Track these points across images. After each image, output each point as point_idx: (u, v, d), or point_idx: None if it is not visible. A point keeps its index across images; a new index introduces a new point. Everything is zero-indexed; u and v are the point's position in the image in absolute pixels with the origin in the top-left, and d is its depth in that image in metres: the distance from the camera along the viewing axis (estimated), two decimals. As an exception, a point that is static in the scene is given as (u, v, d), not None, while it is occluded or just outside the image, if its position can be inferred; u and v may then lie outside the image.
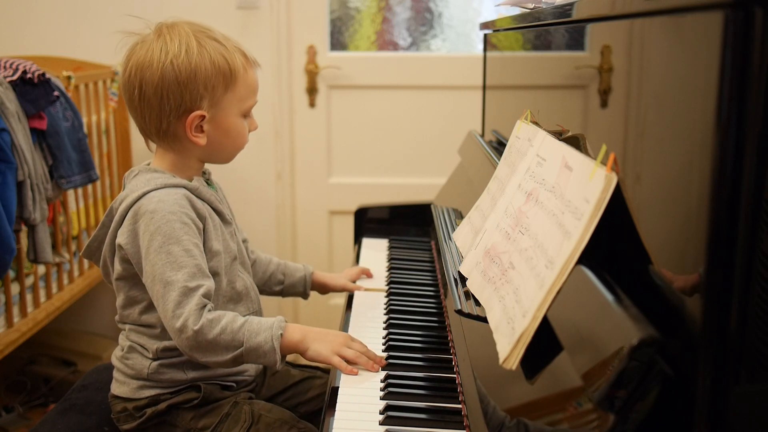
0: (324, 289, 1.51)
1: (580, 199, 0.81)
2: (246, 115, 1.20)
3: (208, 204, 1.19)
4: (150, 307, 1.16)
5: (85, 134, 2.12)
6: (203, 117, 1.15)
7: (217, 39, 1.16)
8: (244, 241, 1.40)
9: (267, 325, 1.10)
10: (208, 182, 1.28)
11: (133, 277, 1.16)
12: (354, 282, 1.50)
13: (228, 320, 1.09)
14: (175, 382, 1.18)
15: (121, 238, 1.14)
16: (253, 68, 1.20)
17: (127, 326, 1.21)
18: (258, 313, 1.29)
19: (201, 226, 1.15)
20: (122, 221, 1.14)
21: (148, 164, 1.21)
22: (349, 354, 1.09)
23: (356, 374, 1.07)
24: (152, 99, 1.14)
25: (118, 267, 1.17)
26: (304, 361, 1.21)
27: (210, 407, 1.19)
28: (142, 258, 1.11)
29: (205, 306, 1.09)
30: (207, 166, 1.29)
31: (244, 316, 1.24)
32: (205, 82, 1.13)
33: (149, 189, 1.13)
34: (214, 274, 1.17)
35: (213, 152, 1.21)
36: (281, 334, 1.09)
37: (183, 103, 1.13)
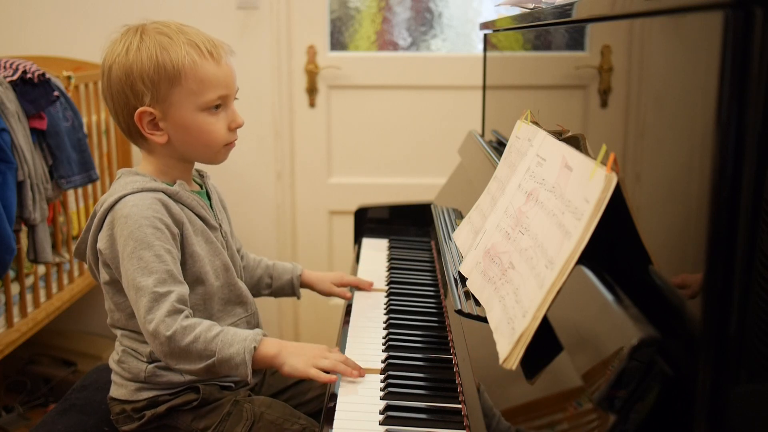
0: (313, 289, 1.49)
1: (580, 199, 0.81)
2: (207, 109, 1.15)
3: (189, 208, 1.18)
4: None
5: (85, 134, 2.12)
6: (153, 114, 1.14)
7: (166, 33, 1.14)
8: (238, 250, 1.39)
9: (242, 337, 1.08)
10: (202, 185, 1.27)
11: (116, 282, 1.16)
12: (341, 284, 1.47)
13: (203, 329, 1.07)
14: (173, 384, 1.18)
15: (101, 244, 1.14)
16: (212, 61, 1.14)
17: (118, 331, 1.22)
18: (255, 315, 1.29)
19: (177, 231, 1.15)
20: (101, 225, 1.15)
21: (137, 168, 1.22)
22: (325, 364, 1.07)
23: (335, 380, 1.06)
24: (107, 99, 1.18)
25: (102, 272, 1.17)
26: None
27: (210, 407, 1.18)
28: (119, 263, 1.12)
29: (180, 312, 1.08)
30: (204, 168, 1.29)
31: (241, 318, 1.24)
32: (142, 77, 1.12)
33: (125, 193, 1.13)
34: (198, 279, 1.17)
35: (183, 150, 1.18)
36: (255, 348, 1.07)
37: (128, 101, 1.14)
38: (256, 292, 1.46)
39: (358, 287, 1.47)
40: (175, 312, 1.07)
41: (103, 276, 1.17)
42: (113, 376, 1.23)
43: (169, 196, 1.16)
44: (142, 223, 1.10)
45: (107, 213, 1.14)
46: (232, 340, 1.07)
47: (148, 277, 1.08)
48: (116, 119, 1.19)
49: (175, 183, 1.19)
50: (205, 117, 1.15)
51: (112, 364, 1.23)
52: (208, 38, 1.17)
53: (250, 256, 1.45)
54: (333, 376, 1.06)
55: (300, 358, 1.08)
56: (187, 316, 1.08)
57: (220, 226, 1.25)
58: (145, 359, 1.18)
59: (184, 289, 1.11)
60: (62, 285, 2.17)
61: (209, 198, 1.28)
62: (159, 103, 1.14)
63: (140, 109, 1.13)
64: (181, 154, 1.19)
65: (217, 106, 1.16)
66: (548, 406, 0.77)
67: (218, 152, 1.20)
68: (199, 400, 1.17)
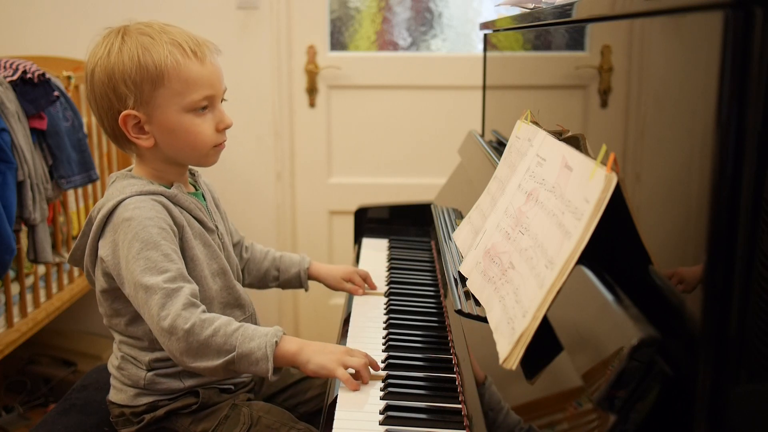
0: (321, 282, 1.48)
1: (580, 199, 0.81)
2: (193, 110, 1.12)
3: (187, 212, 1.16)
4: (135, 320, 1.14)
5: (85, 134, 2.12)
6: (137, 117, 1.11)
7: (148, 33, 1.11)
8: (237, 244, 1.39)
9: (262, 332, 1.05)
10: (195, 186, 1.26)
11: (115, 290, 1.13)
12: (349, 280, 1.46)
13: (222, 322, 1.05)
14: (173, 391, 1.17)
15: (103, 251, 1.11)
16: (196, 60, 1.11)
17: (117, 336, 1.20)
18: (253, 317, 1.28)
19: (177, 232, 1.13)
20: (100, 231, 1.12)
21: (130, 170, 1.20)
22: (353, 362, 1.05)
23: (359, 389, 1.03)
24: (91, 103, 1.15)
25: (101, 280, 1.14)
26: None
27: (208, 411, 1.18)
28: (122, 268, 1.08)
29: (196, 306, 1.05)
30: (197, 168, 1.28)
31: (240, 320, 1.23)
32: (124, 79, 1.09)
33: (125, 197, 1.11)
34: (197, 284, 1.14)
35: (171, 154, 1.15)
36: (276, 342, 1.04)
37: (112, 105, 1.12)
38: (264, 285, 1.45)
39: (365, 281, 1.46)
40: (191, 305, 1.05)
41: (101, 284, 1.15)
42: (112, 380, 1.22)
43: (169, 199, 1.14)
44: (146, 224, 1.08)
45: (106, 219, 1.11)
46: (253, 334, 1.05)
47: (158, 276, 1.05)
48: (101, 124, 1.16)
49: (171, 186, 1.17)
50: (191, 118, 1.12)
51: (111, 369, 1.22)
52: (192, 37, 1.14)
53: (256, 248, 1.43)
54: (359, 384, 1.03)
55: (326, 356, 1.05)
56: (204, 311, 1.06)
57: (217, 228, 1.23)
58: (144, 367, 1.16)
59: (194, 287, 1.09)
60: (62, 285, 2.17)
61: (204, 199, 1.26)
62: (143, 106, 1.11)
63: (124, 112, 1.11)
64: (170, 158, 1.16)
65: (204, 107, 1.13)
66: (548, 406, 0.77)
67: (207, 154, 1.17)
68: (198, 403, 1.17)
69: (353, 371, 1.05)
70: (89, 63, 1.14)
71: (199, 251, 1.16)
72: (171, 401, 1.17)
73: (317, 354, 1.06)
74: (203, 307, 1.07)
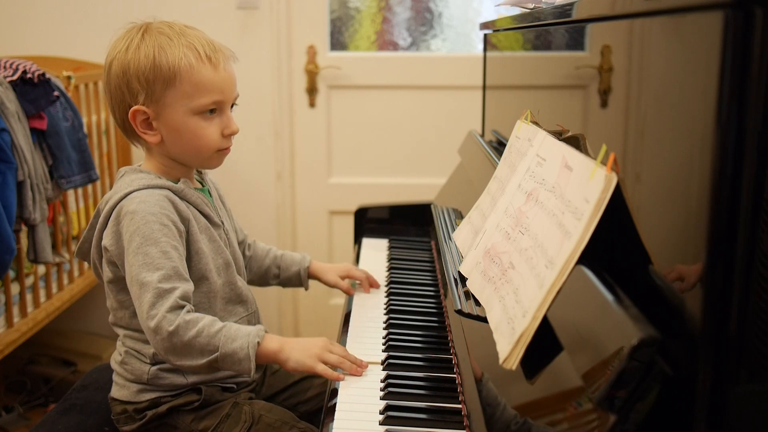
0: (319, 280, 1.49)
1: (580, 199, 0.81)
2: (200, 113, 1.14)
3: (194, 206, 1.18)
4: None
5: (85, 134, 2.12)
6: (146, 113, 1.14)
7: (167, 34, 1.14)
8: (241, 242, 1.39)
9: (245, 332, 1.08)
10: (202, 182, 1.27)
11: (120, 280, 1.15)
12: (347, 276, 1.47)
13: (205, 323, 1.07)
14: (175, 387, 1.18)
15: (106, 240, 1.14)
16: (210, 65, 1.14)
17: (121, 331, 1.21)
18: (255, 314, 1.29)
19: (183, 228, 1.14)
20: (107, 223, 1.15)
21: (140, 165, 1.22)
22: (332, 359, 1.09)
23: (343, 379, 1.07)
24: (107, 94, 1.19)
25: (107, 270, 1.17)
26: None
27: (210, 409, 1.18)
28: (124, 259, 1.11)
29: (182, 307, 1.08)
30: None
31: (242, 317, 1.24)
32: (137, 76, 1.12)
33: (132, 190, 1.13)
34: (202, 278, 1.17)
35: (175, 153, 1.18)
36: (258, 343, 1.07)
37: (124, 98, 1.15)
38: (264, 282, 1.47)
39: (365, 281, 1.46)
40: (177, 307, 1.07)
41: (107, 274, 1.17)
42: (115, 377, 1.23)
43: (175, 194, 1.16)
44: (149, 219, 1.10)
45: (113, 210, 1.14)
46: (236, 335, 1.07)
47: (153, 273, 1.07)
48: (113, 115, 1.19)
49: (178, 181, 1.19)
50: (198, 121, 1.15)
51: (114, 365, 1.23)
52: (209, 42, 1.16)
53: (258, 245, 1.45)
54: (341, 375, 1.07)
55: (305, 353, 1.09)
56: (189, 311, 1.08)
57: (223, 223, 1.25)
58: (148, 361, 1.17)
59: (188, 287, 1.11)
60: (62, 285, 2.17)
61: (210, 195, 1.27)
62: (153, 103, 1.13)
63: (134, 107, 1.14)
64: (174, 157, 1.19)
65: (212, 111, 1.15)
66: (548, 406, 0.77)
67: (210, 158, 1.19)
68: (200, 401, 1.17)
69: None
70: (109, 55, 1.17)
71: (204, 245, 1.18)
72: (173, 398, 1.18)
73: (296, 351, 1.09)
74: (189, 306, 1.09)
